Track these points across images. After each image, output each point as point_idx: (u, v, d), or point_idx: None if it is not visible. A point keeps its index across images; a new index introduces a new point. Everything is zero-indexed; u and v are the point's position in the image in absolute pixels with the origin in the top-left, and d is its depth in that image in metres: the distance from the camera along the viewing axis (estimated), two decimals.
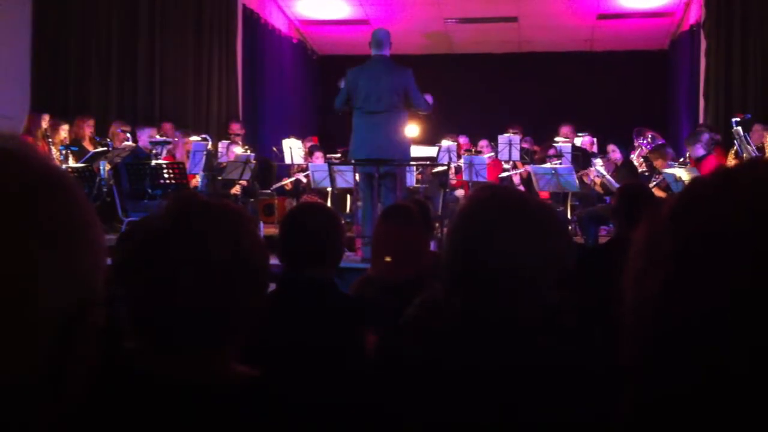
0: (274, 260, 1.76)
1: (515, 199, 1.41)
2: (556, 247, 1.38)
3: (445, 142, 9.47)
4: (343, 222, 2.85)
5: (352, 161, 6.79)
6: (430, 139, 10.50)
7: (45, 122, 8.34)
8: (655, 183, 7.48)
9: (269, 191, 9.74)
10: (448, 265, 1.38)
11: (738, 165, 0.62)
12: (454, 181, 9.23)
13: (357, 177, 7.40)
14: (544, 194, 8.24)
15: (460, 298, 1.35)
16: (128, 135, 8.70)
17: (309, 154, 9.76)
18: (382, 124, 6.43)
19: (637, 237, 0.63)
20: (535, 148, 9.94)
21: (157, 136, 8.58)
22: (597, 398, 1.15)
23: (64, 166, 7.97)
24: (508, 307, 1.32)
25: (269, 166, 10.39)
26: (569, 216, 7.96)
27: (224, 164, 8.75)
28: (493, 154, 9.62)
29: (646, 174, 8.14)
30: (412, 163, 6.61)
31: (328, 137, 11.61)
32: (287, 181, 9.70)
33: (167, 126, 9.55)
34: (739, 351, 0.53)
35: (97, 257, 0.63)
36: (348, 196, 8.98)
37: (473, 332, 1.32)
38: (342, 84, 6.86)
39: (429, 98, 6.70)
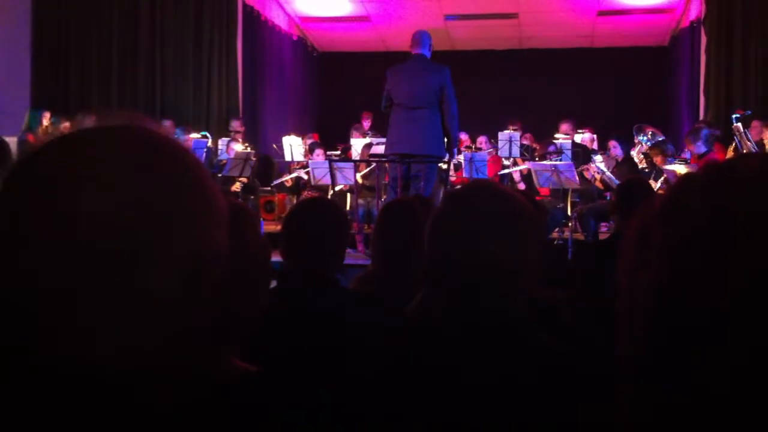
0: (275, 257, 1.76)
1: (491, 196, 1.41)
2: (535, 244, 1.38)
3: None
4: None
5: (387, 156, 6.85)
6: None
7: (46, 119, 8.36)
8: (657, 180, 7.48)
9: (269, 188, 9.74)
10: (429, 266, 1.39)
11: (730, 159, 0.61)
12: (454, 178, 9.23)
13: (358, 175, 7.40)
14: (544, 191, 8.24)
15: (442, 298, 1.35)
16: None
17: (309, 151, 9.75)
18: (420, 120, 6.47)
19: (630, 230, 0.63)
20: (535, 144, 9.92)
21: None
22: (595, 398, 1.16)
23: None
24: (490, 306, 1.33)
25: (269, 164, 10.39)
26: (569, 212, 7.96)
27: (224, 161, 8.76)
28: (492, 150, 9.61)
29: (647, 170, 8.14)
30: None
31: (328, 134, 11.62)
32: (287, 177, 9.70)
33: (168, 123, 9.55)
34: (737, 347, 0.52)
35: (212, 214, 0.71)
36: (348, 194, 8.98)
37: (457, 332, 1.33)
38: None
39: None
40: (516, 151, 8.94)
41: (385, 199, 6.88)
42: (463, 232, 1.35)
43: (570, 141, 9.09)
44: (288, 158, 9.69)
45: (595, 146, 10.00)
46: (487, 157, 8.91)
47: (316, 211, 2.36)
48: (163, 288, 0.65)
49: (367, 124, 11.02)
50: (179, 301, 0.66)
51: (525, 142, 9.74)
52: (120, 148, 0.67)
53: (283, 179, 9.74)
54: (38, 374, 0.62)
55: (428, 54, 6.70)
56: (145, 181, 0.66)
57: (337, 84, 13.44)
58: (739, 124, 7.44)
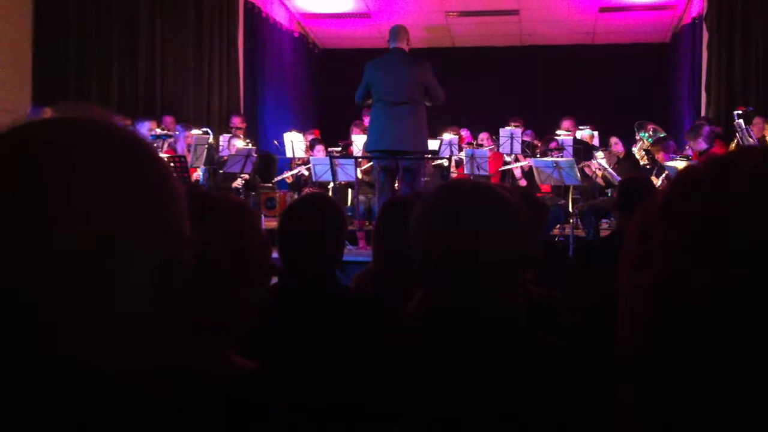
0: (276, 254, 1.76)
1: (476, 192, 1.40)
2: (520, 240, 1.37)
3: (447, 135, 9.46)
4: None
5: (370, 153, 6.83)
6: (431, 132, 10.49)
7: (47, 116, 8.36)
8: (658, 177, 7.48)
9: (271, 185, 9.74)
10: (421, 265, 1.39)
11: (731, 153, 0.60)
12: (455, 175, 9.22)
13: (359, 171, 7.39)
14: (545, 187, 8.24)
15: (441, 296, 1.35)
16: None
17: (310, 147, 9.75)
18: (402, 116, 6.44)
19: (632, 227, 0.62)
20: (537, 141, 9.92)
21: (158, 130, 8.57)
22: (595, 397, 1.15)
23: None
24: (489, 304, 1.32)
25: (270, 160, 10.38)
26: (571, 209, 7.96)
27: (225, 158, 8.75)
28: (493, 146, 9.61)
29: (648, 167, 8.13)
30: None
31: (329, 131, 11.61)
32: (288, 174, 9.70)
33: (168, 119, 9.54)
34: (738, 347, 0.52)
35: (181, 204, 0.71)
36: (349, 190, 8.98)
37: (456, 332, 1.33)
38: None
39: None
40: (517, 147, 8.95)
41: (363, 199, 6.90)
42: (450, 231, 1.35)
43: (571, 138, 9.09)
44: (289, 155, 9.68)
45: (595, 142, 10.00)
46: (488, 154, 8.91)
47: (313, 208, 2.34)
48: (162, 287, 0.65)
49: (367, 120, 11.01)
50: (178, 299, 0.66)
51: (526, 138, 9.74)
52: (110, 144, 0.67)
53: (284, 176, 9.74)
54: (38, 375, 0.62)
55: (406, 48, 6.67)
56: (135, 177, 0.65)
57: (337, 80, 13.41)
58: (741, 121, 7.43)
